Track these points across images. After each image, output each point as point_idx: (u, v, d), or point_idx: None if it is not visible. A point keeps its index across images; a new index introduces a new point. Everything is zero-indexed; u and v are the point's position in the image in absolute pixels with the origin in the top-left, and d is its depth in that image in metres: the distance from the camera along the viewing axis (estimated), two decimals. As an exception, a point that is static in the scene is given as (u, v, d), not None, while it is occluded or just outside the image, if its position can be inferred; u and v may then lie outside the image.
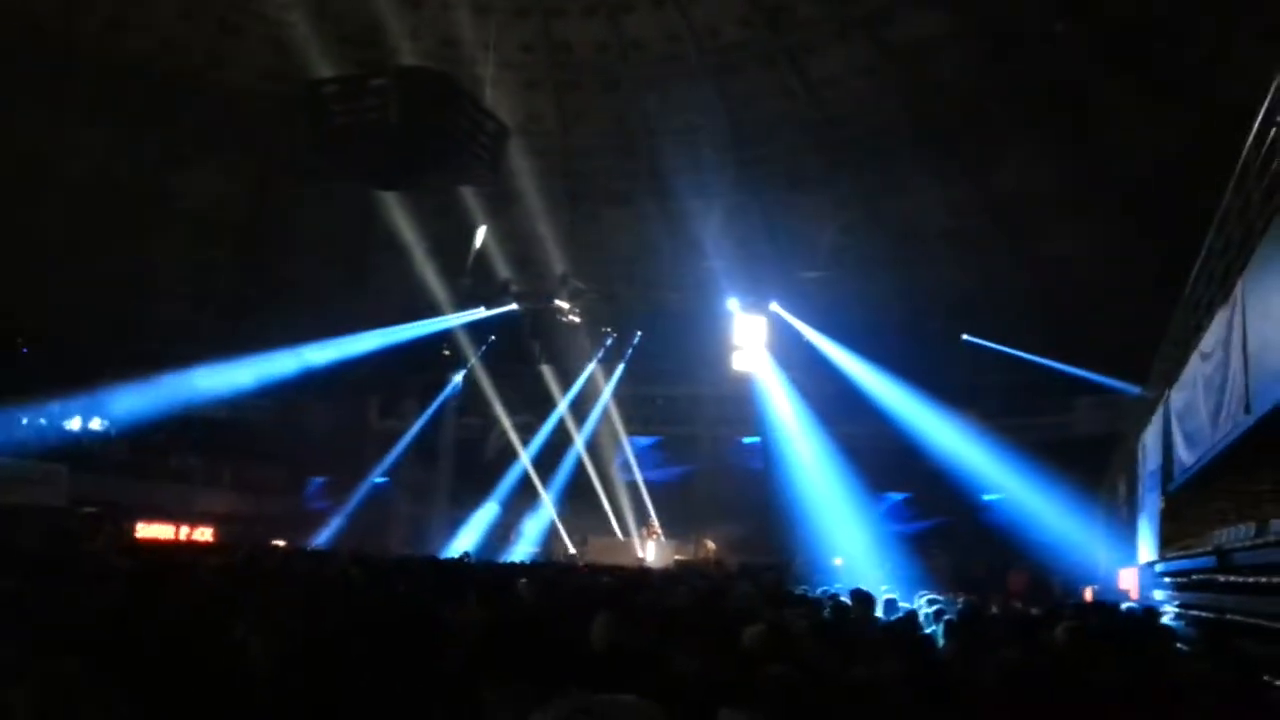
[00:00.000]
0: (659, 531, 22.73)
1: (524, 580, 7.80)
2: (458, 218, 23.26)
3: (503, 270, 24.19)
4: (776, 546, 20.71)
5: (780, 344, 22.67)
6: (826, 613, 6.57)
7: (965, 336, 21.28)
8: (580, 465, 23.77)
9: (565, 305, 23.37)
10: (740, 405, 23.48)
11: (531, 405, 23.66)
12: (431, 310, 23.41)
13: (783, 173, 22.37)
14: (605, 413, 24.06)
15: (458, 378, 24.22)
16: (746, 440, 24.31)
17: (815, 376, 22.40)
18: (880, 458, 21.52)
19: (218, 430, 22.68)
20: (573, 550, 22.64)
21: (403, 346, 22.95)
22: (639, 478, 23.84)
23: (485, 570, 10.87)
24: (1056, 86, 18.69)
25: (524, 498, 23.35)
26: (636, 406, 24.64)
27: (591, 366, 23.83)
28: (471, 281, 23.81)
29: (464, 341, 24.36)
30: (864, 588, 8.40)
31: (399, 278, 23.79)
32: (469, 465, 23.08)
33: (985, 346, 21.10)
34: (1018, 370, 20.62)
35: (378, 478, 23.75)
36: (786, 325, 22.80)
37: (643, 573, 15.09)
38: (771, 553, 20.27)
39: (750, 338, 22.94)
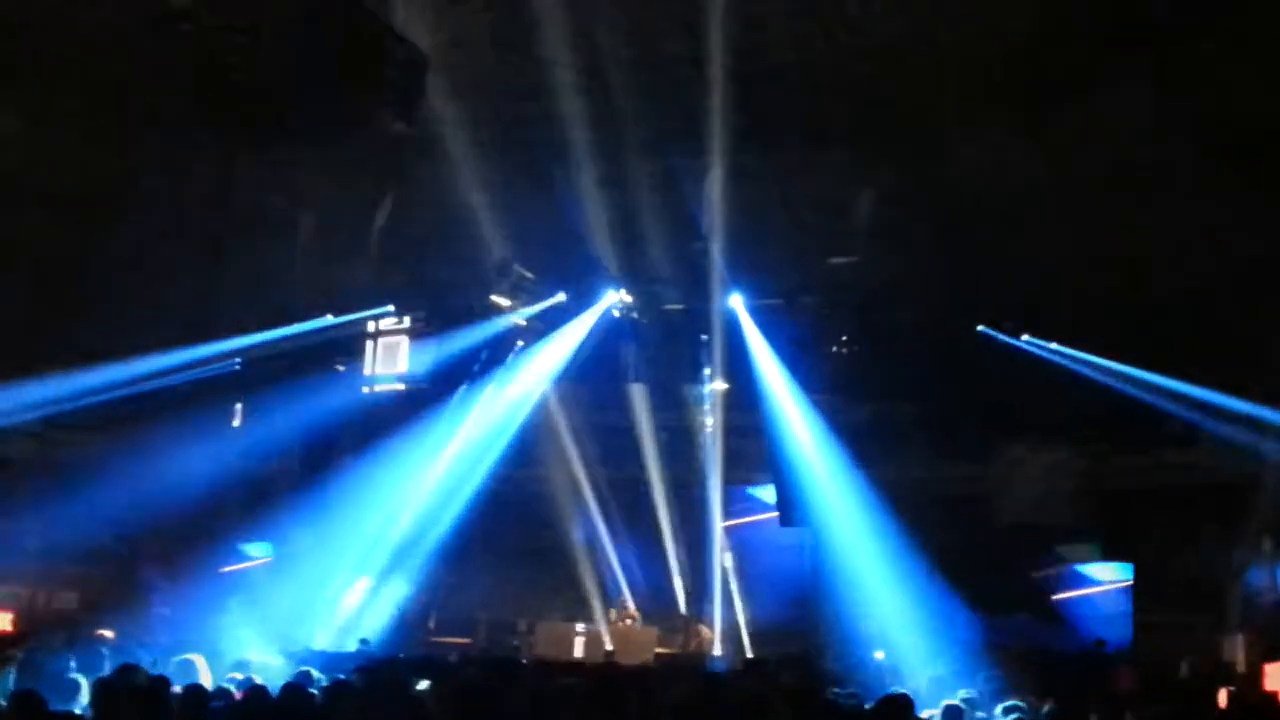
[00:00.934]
0: (635, 614, 22.69)
1: (428, 684, 7.76)
2: (357, 181, 23.30)
3: (420, 254, 24.19)
4: (797, 634, 20.80)
5: (801, 357, 22.67)
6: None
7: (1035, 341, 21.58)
8: (525, 522, 23.72)
9: (504, 301, 23.35)
10: (746, 441, 23.49)
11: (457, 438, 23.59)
12: (319, 308, 23.42)
13: (800, 125, 22.38)
14: (561, 450, 24.09)
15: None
16: (754, 488, 24.32)
17: (847, 401, 22.50)
18: (934, 513, 21.69)
19: (18, 472, 22.42)
20: (515, 641, 22.61)
21: (278, 357, 22.90)
22: (607, 539, 23.89)
23: (382, 667, 10.76)
24: (1148, 25, 18.89)
25: (448, 568, 23.27)
26: (605, 441, 24.66)
27: (544, 387, 23.75)
28: (377, 269, 23.77)
29: (368, 351, 24.43)
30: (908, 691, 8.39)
31: (275, 264, 23.77)
32: (372, 522, 22.93)
33: (1073, 362, 21.26)
34: (1119, 393, 20.75)
35: (244, 540, 23.66)
36: (810, 330, 22.77)
37: (611, 670, 15.00)
38: (790, 642, 20.30)
39: (760, 347, 22.91)
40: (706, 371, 23.58)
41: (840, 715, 7.48)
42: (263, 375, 23.43)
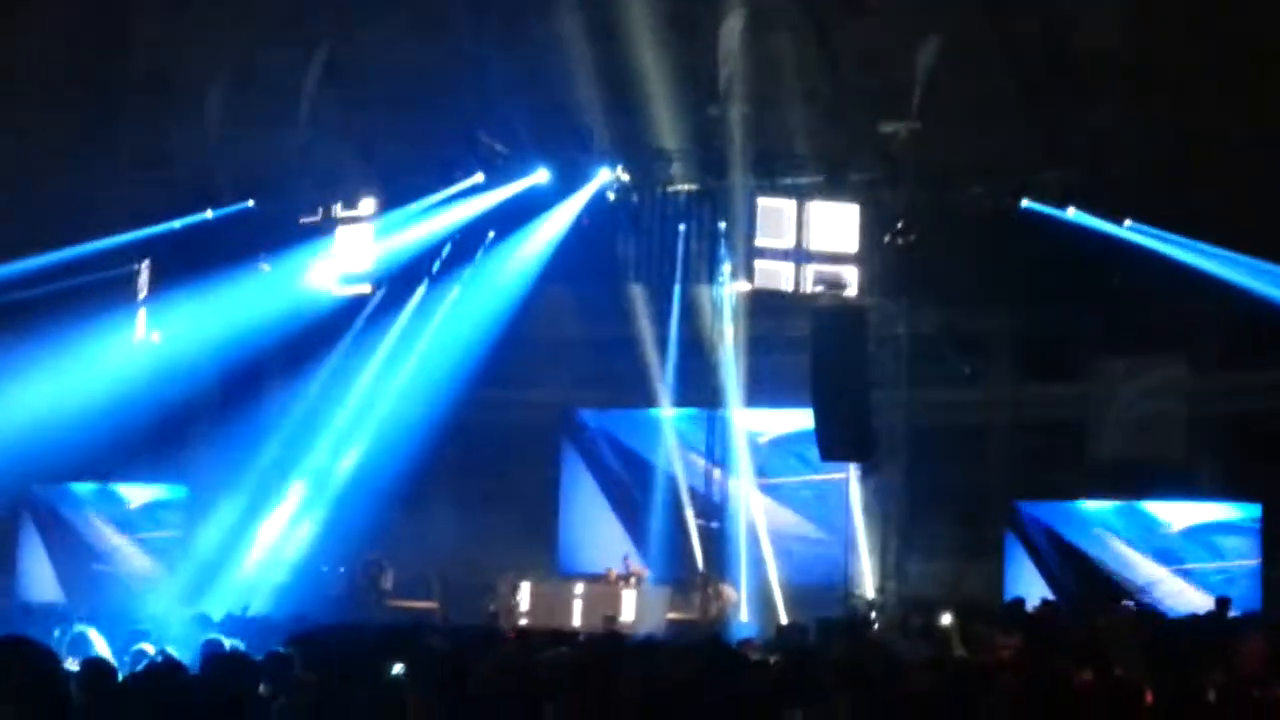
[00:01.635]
0: (640, 570, 22.73)
1: (400, 667, 7.69)
2: (283, 34, 23.39)
3: (365, 124, 24.01)
4: (842, 594, 20.90)
5: (868, 252, 22.47)
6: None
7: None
8: (501, 458, 23.77)
9: (470, 182, 23.20)
10: (775, 355, 23.38)
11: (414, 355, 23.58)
12: (238, 193, 23.36)
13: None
14: (543, 368, 24.28)
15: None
16: (783, 410, 24.15)
17: (908, 306, 22.32)
18: (1018, 444, 21.91)
19: None
20: (492, 605, 22.50)
21: (189, 254, 23.02)
22: (602, 479, 24.12)
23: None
24: None
25: (406, 515, 23.30)
26: (598, 356, 24.65)
27: (521, 289, 23.62)
28: (309, 143, 23.61)
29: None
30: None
31: (182, 138, 23.68)
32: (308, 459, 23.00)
33: (1190, 254, 21.03)
34: (1246, 294, 20.51)
35: (149, 482, 23.83)
36: (858, 215, 22.57)
37: (611, 642, 14.92)
38: (833, 605, 20.35)
39: (813, 237, 22.66)
40: (725, 269, 23.36)
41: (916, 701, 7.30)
42: (170, 277, 23.32)
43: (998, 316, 22.93)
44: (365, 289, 23.88)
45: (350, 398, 23.00)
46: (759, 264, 23.01)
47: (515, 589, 22.41)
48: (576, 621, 20.69)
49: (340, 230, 24.04)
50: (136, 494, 24.21)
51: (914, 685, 8.08)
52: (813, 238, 22.64)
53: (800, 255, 22.63)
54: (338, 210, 24.17)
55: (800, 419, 22.48)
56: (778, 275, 23.00)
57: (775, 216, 22.74)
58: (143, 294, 23.81)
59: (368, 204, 24.07)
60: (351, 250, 23.99)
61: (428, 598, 23.18)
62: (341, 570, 22.92)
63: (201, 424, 23.58)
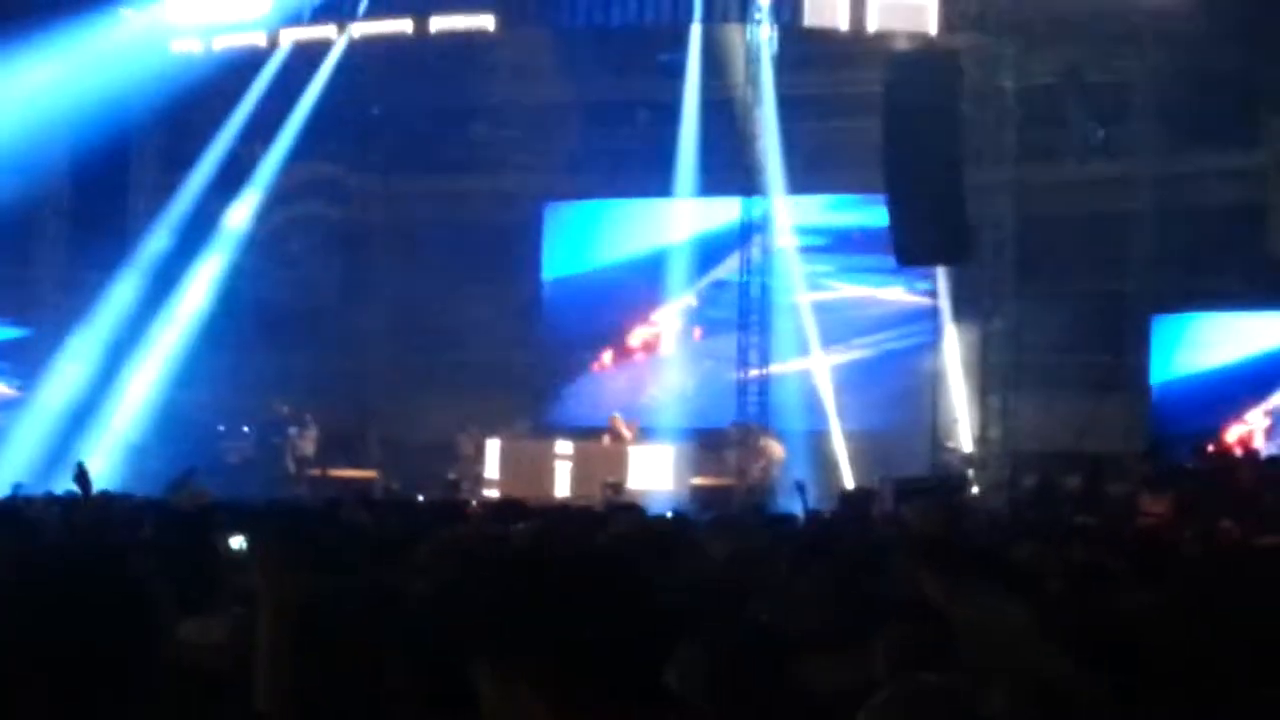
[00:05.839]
0: (627, 430, 22.71)
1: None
2: None
3: None
4: (924, 449, 21.17)
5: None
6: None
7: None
8: (456, 265, 23.85)
9: None
10: (845, 129, 23.16)
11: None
12: None
13: None
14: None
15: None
16: (852, 194, 23.99)
17: (1033, 46, 22.00)
18: (1171, 234, 21.60)
19: None
20: (451, 473, 22.82)
21: None
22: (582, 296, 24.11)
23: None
24: None
25: (335, 342, 23.62)
26: (585, 127, 24.48)
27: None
28: None
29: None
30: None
31: None
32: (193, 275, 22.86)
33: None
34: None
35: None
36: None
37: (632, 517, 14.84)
38: (914, 463, 20.52)
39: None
40: (762, 1, 22.75)
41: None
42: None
43: (1142, 59, 22.49)
44: (258, 39, 23.32)
45: (249, 193, 22.71)
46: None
47: (481, 449, 22.60)
48: (564, 491, 20.73)
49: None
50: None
51: (1023, 564, 7.90)
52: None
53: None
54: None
55: (868, 209, 22.61)
56: (832, 9, 22.49)
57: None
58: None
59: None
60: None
61: (365, 465, 23.42)
62: (246, 430, 22.90)
63: (50, 233, 23.38)
